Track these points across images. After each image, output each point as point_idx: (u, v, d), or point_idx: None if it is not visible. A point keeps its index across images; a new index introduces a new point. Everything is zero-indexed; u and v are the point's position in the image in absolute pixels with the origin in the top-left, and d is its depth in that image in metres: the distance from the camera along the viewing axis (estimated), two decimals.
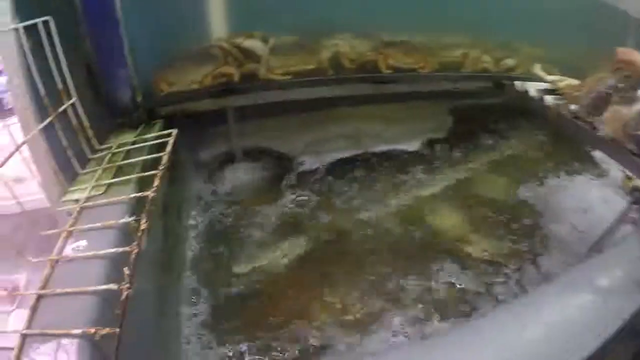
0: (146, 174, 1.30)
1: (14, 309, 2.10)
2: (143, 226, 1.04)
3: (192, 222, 2.02)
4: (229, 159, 2.34)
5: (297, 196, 2.22)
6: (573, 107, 2.06)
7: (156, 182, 1.20)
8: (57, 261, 1.06)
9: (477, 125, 2.98)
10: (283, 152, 2.39)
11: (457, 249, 2.09)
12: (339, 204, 2.23)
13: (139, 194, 1.20)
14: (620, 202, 2.30)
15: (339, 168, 2.40)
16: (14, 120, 1.81)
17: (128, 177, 1.35)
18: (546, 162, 2.81)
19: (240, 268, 1.87)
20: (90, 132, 1.51)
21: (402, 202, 2.30)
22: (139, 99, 1.80)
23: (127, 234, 1.12)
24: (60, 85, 1.37)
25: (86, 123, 1.49)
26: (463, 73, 2.51)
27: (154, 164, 1.34)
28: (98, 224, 1.14)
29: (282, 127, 2.38)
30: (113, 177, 1.38)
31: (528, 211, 2.38)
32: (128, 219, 1.11)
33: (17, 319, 2.08)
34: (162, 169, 1.26)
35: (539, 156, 2.88)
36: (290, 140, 2.39)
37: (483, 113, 2.92)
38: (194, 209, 2.08)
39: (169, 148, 1.38)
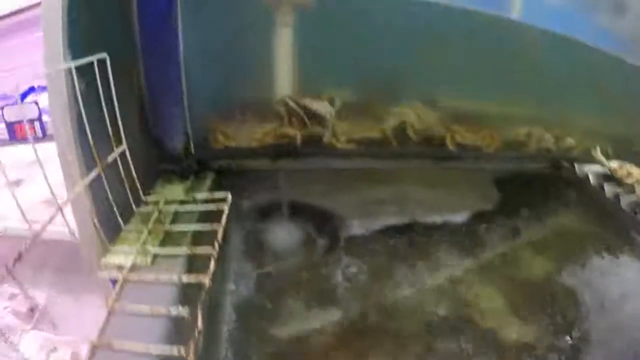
0: (198, 251, 1.21)
1: (30, 329, 2.04)
2: (199, 326, 0.94)
3: (231, 286, 1.92)
4: (273, 212, 2.23)
5: (342, 263, 2.12)
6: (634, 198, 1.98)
7: (212, 266, 1.11)
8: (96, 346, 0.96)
9: (525, 197, 2.88)
10: (330, 211, 2.28)
11: (496, 336, 1.99)
12: (383, 275, 2.13)
13: (192, 278, 1.11)
14: None
15: (386, 236, 2.30)
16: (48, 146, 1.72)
17: (177, 249, 1.25)
18: (594, 244, 2.72)
19: (277, 337, 1.78)
20: (137, 182, 1.43)
21: (445, 279, 2.20)
22: (192, 147, 1.72)
23: (177, 326, 1.03)
24: (110, 131, 1.28)
25: (134, 172, 1.40)
26: (525, 153, 2.45)
27: (206, 234, 1.26)
28: (146, 308, 1.04)
29: (330, 182, 2.25)
30: (160, 245, 1.28)
31: (571, 298, 2.28)
32: (181, 311, 1.01)
33: (32, 341, 2.02)
34: (218, 249, 1.17)
35: (587, 237, 2.78)
36: (338, 199, 2.26)
37: (531, 185, 2.82)
38: (234, 269, 1.98)
39: (224, 220, 1.29)
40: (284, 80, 1.77)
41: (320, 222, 2.23)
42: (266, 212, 2.18)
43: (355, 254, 2.18)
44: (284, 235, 2.16)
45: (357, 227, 2.27)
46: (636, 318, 2.22)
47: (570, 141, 2.62)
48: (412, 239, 2.36)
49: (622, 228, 2.49)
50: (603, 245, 2.67)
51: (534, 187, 2.77)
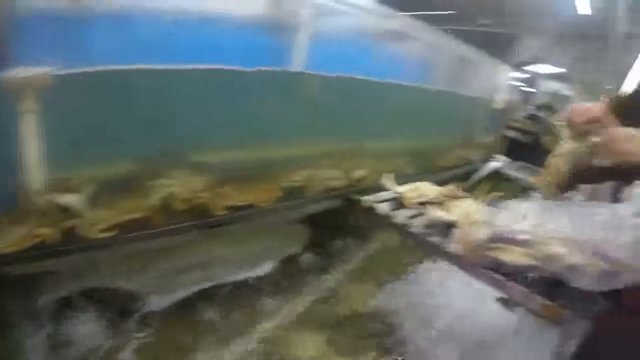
0: None
1: None
2: None
3: None
4: (69, 303, 2.04)
5: (140, 344, 2.02)
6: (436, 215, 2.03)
7: None
8: None
9: (334, 231, 2.93)
10: (129, 290, 2.14)
11: None
12: (189, 347, 2.05)
13: None
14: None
15: (190, 304, 2.23)
16: None
17: None
18: (402, 260, 2.82)
19: None
20: None
21: (260, 336, 2.18)
22: None
23: None
24: None
25: None
26: (308, 197, 2.47)
27: None
28: None
29: (128, 258, 2.12)
30: None
31: (391, 319, 2.36)
32: None
33: None
34: None
35: (396, 255, 2.88)
36: (137, 275, 2.15)
37: (339, 217, 2.86)
38: None
39: None
40: (33, 172, 1.64)
41: (116, 307, 2.11)
42: (57, 299, 2.01)
43: (153, 330, 2.09)
44: (79, 321, 2.02)
45: (157, 302, 2.18)
46: (454, 325, 2.31)
47: (360, 173, 2.69)
48: (218, 302, 2.30)
49: (416, 249, 2.59)
50: (404, 267, 2.78)
51: (341, 216, 2.82)
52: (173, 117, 1.93)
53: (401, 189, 2.29)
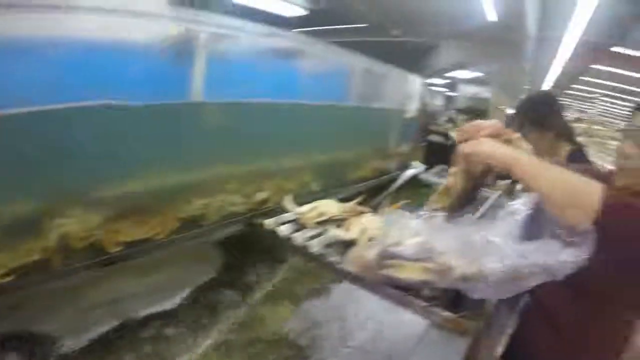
0: None
1: None
2: None
3: None
4: None
5: None
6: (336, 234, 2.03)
7: None
8: None
9: (249, 254, 2.93)
10: (42, 333, 2.11)
11: None
12: None
13: None
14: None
15: (105, 343, 2.21)
16: None
17: None
18: (321, 279, 2.83)
19: None
20: None
21: None
22: None
23: None
24: None
25: None
26: (208, 225, 2.48)
27: None
28: None
29: (36, 301, 2.08)
30: None
31: (307, 341, 2.37)
32: None
33: None
34: None
35: (314, 275, 2.88)
36: (48, 318, 2.12)
37: (254, 240, 2.87)
38: None
39: None
40: None
41: (32, 351, 2.08)
42: None
43: None
44: None
45: (72, 342, 2.15)
46: (372, 340, 2.35)
47: (262, 195, 2.72)
48: (131, 337, 2.28)
49: (318, 270, 2.60)
50: (322, 287, 2.80)
51: (256, 238, 2.82)
52: (68, 155, 1.94)
53: (301, 209, 2.26)
